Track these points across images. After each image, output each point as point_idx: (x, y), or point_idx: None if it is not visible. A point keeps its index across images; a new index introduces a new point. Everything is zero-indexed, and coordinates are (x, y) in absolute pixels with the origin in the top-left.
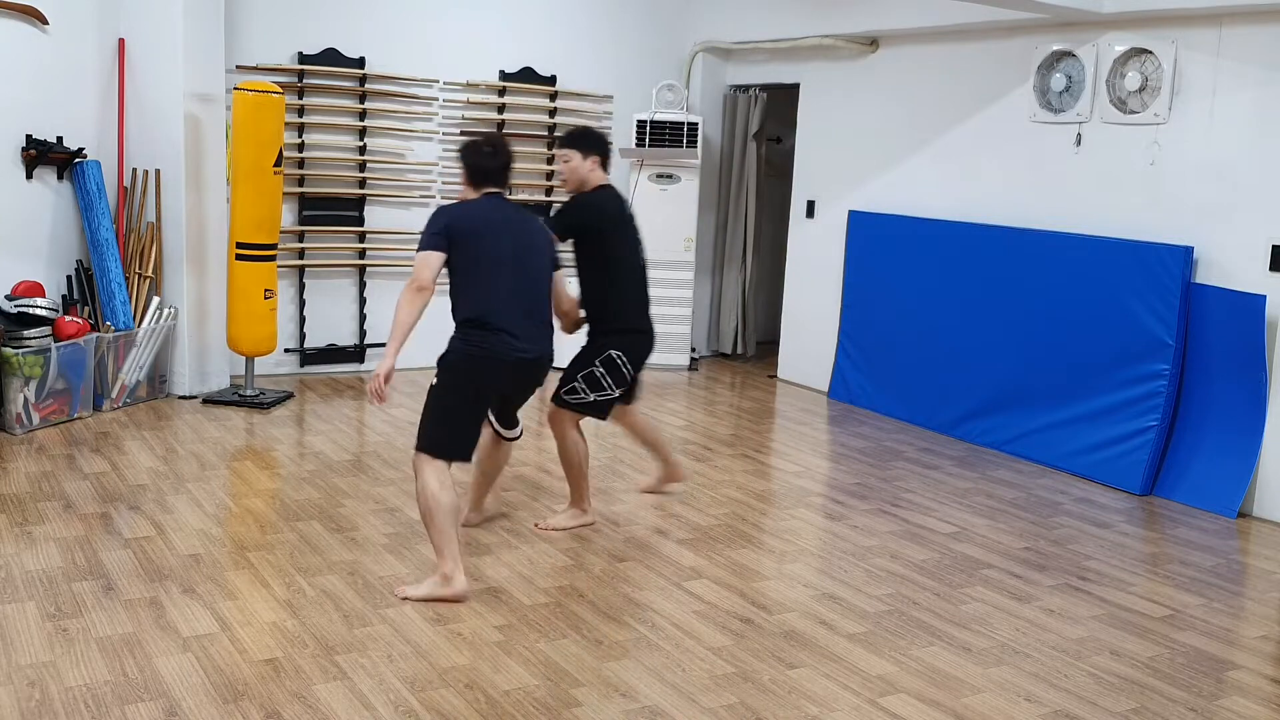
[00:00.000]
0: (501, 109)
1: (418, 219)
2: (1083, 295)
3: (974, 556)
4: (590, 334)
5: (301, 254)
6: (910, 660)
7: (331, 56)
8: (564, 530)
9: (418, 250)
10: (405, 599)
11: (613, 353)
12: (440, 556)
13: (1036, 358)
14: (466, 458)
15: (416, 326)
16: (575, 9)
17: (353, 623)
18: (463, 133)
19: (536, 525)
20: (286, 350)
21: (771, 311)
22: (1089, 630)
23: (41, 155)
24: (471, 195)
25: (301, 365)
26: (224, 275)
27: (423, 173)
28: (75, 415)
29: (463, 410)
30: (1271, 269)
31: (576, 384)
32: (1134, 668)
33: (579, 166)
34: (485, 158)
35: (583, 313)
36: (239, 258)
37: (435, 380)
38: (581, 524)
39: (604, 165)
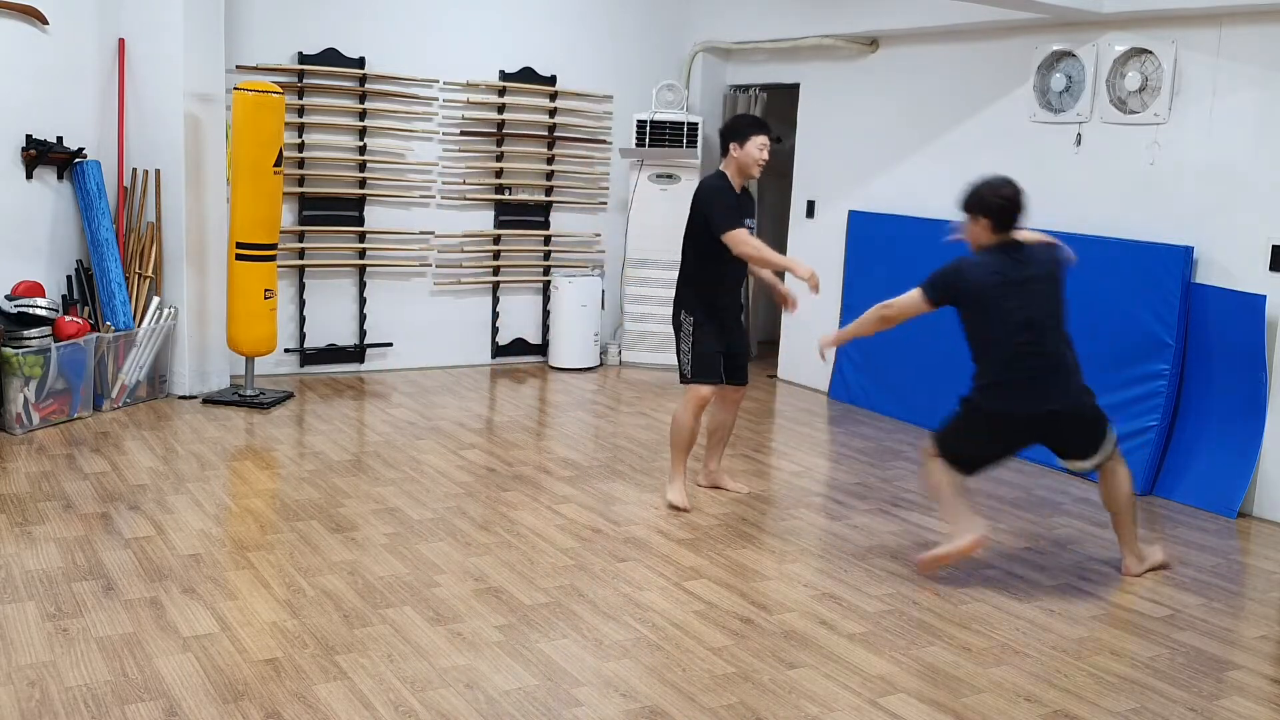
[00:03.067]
0: (501, 109)
1: (418, 219)
2: (1083, 295)
3: (974, 556)
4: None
5: (301, 254)
6: (910, 660)
7: (331, 56)
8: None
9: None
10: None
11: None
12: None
13: None
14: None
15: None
16: (575, 9)
17: (353, 623)
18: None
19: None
20: (286, 350)
21: (771, 311)
22: (1089, 630)
23: (41, 155)
24: (990, 237)
25: (301, 365)
26: (224, 275)
27: (423, 173)
28: (75, 415)
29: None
30: (1271, 269)
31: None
32: (1134, 668)
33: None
34: (1014, 192)
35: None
36: (239, 258)
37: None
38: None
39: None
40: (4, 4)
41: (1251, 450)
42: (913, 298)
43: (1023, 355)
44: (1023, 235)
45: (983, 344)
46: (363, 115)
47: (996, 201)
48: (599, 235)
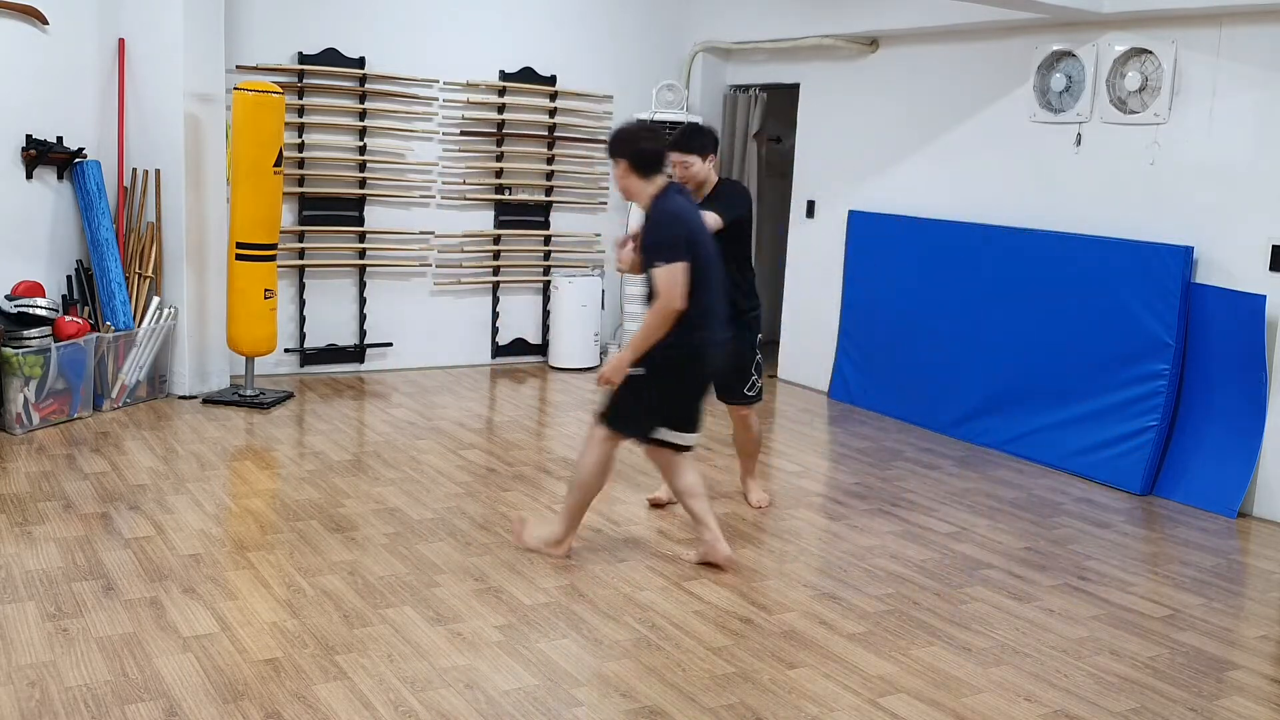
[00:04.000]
0: (501, 109)
1: (418, 219)
2: (1083, 295)
3: (974, 556)
4: (734, 322)
5: (301, 254)
6: (910, 660)
7: (331, 56)
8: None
9: (666, 264)
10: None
11: (760, 336)
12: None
13: (1036, 358)
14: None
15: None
16: (575, 9)
17: (353, 623)
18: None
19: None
20: (286, 350)
21: (771, 311)
22: (1089, 630)
23: (41, 155)
24: (647, 187)
25: (301, 365)
26: (224, 275)
27: (423, 173)
28: (75, 415)
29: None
30: (1271, 269)
31: (755, 379)
32: (1134, 668)
33: (702, 168)
34: (640, 142)
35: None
36: (239, 258)
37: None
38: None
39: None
40: (4, 4)
41: (1251, 450)
42: (674, 271)
43: (716, 286)
44: None
45: (698, 280)
46: (363, 115)
47: (635, 145)
48: (599, 235)
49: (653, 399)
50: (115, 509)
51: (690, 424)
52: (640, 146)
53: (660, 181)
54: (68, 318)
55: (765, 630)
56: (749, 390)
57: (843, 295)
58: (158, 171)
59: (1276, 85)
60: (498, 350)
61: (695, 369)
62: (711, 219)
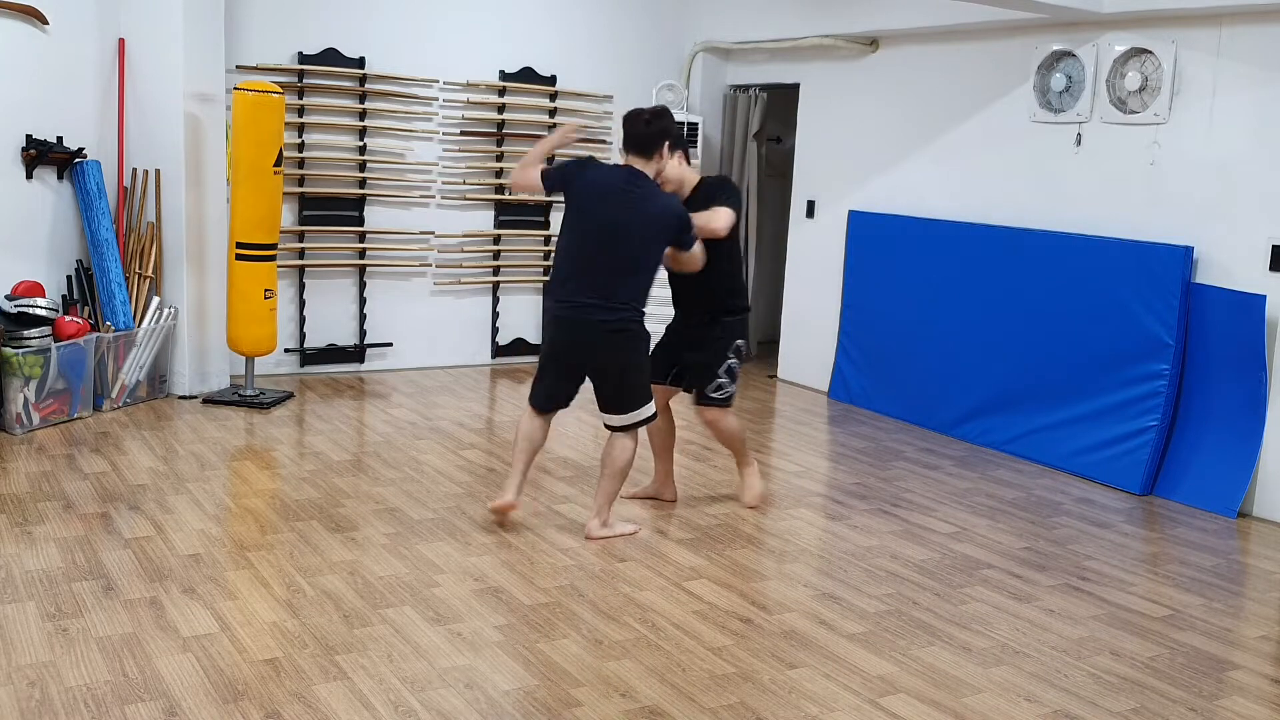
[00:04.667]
0: (501, 109)
1: (418, 219)
2: (1083, 295)
3: (974, 556)
4: (715, 322)
5: (301, 254)
6: (910, 660)
7: (331, 56)
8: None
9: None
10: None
11: (739, 342)
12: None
13: (1036, 358)
14: (537, 406)
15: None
16: (575, 9)
17: (353, 623)
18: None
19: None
20: (286, 350)
21: (771, 311)
22: (1089, 630)
23: (41, 155)
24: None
25: (301, 365)
26: (224, 275)
27: (423, 173)
28: (75, 415)
29: (542, 363)
30: (1271, 269)
31: (725, 381)
32: (1134, 668)
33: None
34: (626, 124)
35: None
36: (239, 258)
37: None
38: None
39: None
40: (4, 4)
41: (1251, 450)
42: (530, 173)
43: (576, 257)
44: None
45: (561, 239)
46: (363, 115)
47: (625, 124)
48: None
49: (541, 362)
50: (115, 509)
51: (605, 401)
52: (632, 129)
53: (625, 160)
54: (68, 318)
55: (765, 630)
56: (714, 391)
57: (843, 295)
58: (158, 171)
59: (1276, 85)
60: (498, 350)
61: (551, 333)
62: (726, 214)
